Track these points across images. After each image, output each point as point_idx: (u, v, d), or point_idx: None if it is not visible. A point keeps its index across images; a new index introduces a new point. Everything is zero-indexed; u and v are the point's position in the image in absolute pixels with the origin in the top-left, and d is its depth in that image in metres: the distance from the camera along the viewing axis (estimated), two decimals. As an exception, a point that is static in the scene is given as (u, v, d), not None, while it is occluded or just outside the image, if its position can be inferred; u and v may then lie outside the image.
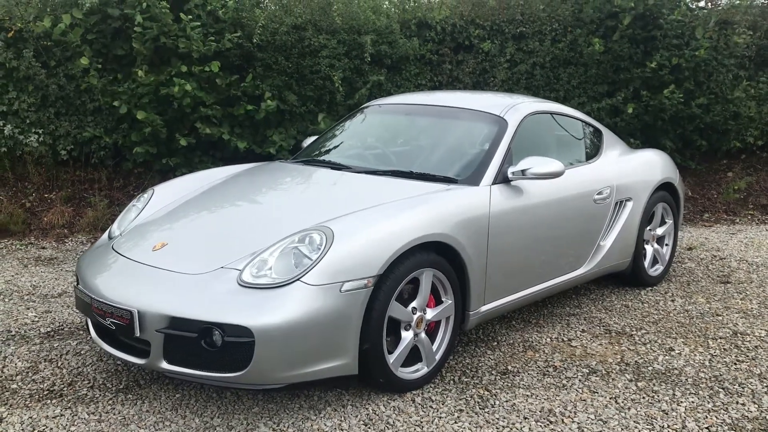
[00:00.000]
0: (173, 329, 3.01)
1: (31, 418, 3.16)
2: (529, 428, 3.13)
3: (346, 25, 7.17)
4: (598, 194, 4.50)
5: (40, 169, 7.12)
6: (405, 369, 3.42)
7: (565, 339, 4.16)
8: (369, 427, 3.11)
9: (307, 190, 3.99)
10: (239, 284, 3.07)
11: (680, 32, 7.50)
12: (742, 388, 3.56)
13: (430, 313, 3.49)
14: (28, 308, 4.59)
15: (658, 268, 5.19)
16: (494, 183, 3.87)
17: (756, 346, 4.09)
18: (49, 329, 4.23)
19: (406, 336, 3.39)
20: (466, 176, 3.88)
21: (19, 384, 3.51)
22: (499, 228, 3.75)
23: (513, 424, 3.16)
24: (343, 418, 3.17)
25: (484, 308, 3.79)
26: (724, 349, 4.04)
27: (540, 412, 3.28)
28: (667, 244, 5.30)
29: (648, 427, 3.17)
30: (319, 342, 3.04)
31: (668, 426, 3.18)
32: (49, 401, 3.33)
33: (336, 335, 3.07)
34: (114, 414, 3.20)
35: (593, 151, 4.79)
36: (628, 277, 4.99)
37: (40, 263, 5.67)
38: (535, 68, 7.60)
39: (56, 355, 3.84)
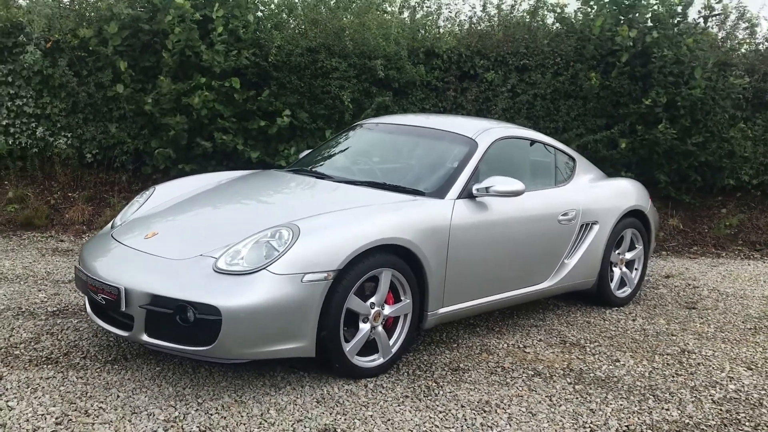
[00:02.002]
0: (153, 306, 3.44)
1: (27, 378, 3.61)
2: (463, 415, 3.48)
3: (357, 49, 7.64)
4: (563, 215, 4.86)
5: (66, 170, 7.67)
6: (362, 358, 3.80)
7: (520, 345, 4.50)
8: (320, 404, 3.49)
9: (289, 194, 4.43)
10: (214, 270, 3.50)
11: (677, 71, 7.83)
12: (672, 396, 3.87)
13: (388, 310, 3.88)
14: (40, 290, 5.07)
15: (626, 291, 5.51)
16: (459, 197, 4.26)
17: (699, 363, 4.38)
18: (55, 309, 4.69)
19: (363, 327, 3.77)
20: (433, 190, 4.28)
21: (22, 351, 3.97)
22: (459, 237, 4.13)
23: (449, 410, 3.52)
24: (298, 396, 3.56)
25: (442, 310, 4.16)
26: (668, 363, 4.35)
27: (477, 402, 3.63)
28: (636, 269, 5.61)
29: (572, 421, 3.50)
30: (280, 325, 3.44)
31: (591, 422, 3.51)
32: (45, 366, 3.77)
33: (295, 320, 3.47)
34: (99, 379, 3.63)
35: (564, 176, 5.16)
36: (594, 296, 5.32)
37: (57, 254, 6.18)
38: (536, 99, 7.98)
39: (58, 330, 4.29)
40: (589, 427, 3.46)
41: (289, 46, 7.46)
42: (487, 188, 4.28)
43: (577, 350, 4.48)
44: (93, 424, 3.19)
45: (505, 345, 4.50)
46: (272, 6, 8.20)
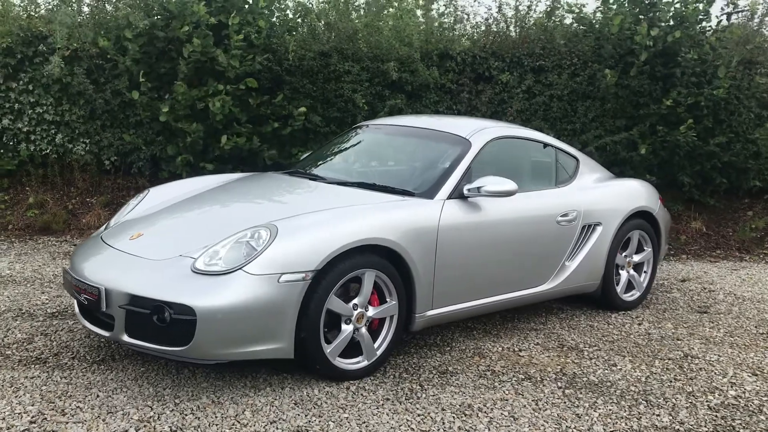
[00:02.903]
0: (132, 306, 3.45)
1: (12, 377, 3.65)
2: (442, 418, 3.41)
3: (370, 53, 7.62)
4: (562, 216, 4.75)
5: (85, 176, 7.80)
6: (345, 360, 3.76)
7: (515, 349, 4.40)
8: (298, 406, 3.45)
9: (278, 195, 4.40)
10: (192, 270, 3.49)
11: (699, 70, 7.63)
12: (666, 401, 3.74)
13: (372, 311, 3.82)
14: (44, 293, 5.15)
15: (635, 294, 5.35)
16: (450, 198, 4.19)
17: (700, 369, 4.23)
18: (54, 310, 4.75)
19: (346, 329, 3.73)
20: (423, 190, 4.22)
21: (14, 351, 4.02)
22: (449, 238, 4.06)
23: (428, 413, 3.45)
24: (277, 397, 3.53)
25: (431, 312, 4.09)
26: (667, 368, 4.21)
27: (459, 406, 3.55)
28: (645, 272, 5.45)
29: (555, 426, 3.40)
30: (256, 325, 3.42)
31: (575, 427, 3.40)
32: (33, 366, 3.82)
33: (272, 321, 3.44)
34: (83, 379, 3.66)
35: (565, 177, 5.04)
36: (599, 299, 5.18)
37: (68, 257, 6.27)
38: (553, 100, 7.85)
39: (52, 331, 4.35)
40: (572, 431, 3.36)
41: (301, 51, 7.48)
42: (478, 188, 4.20)
43: (574, 354, 4.37)
44: (67, 423, 3.20)
45: (500, 348, 4.40)
46: (288, 12, 8.26)
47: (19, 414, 3.26)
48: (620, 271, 5.28)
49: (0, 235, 7.01)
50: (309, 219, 3.73)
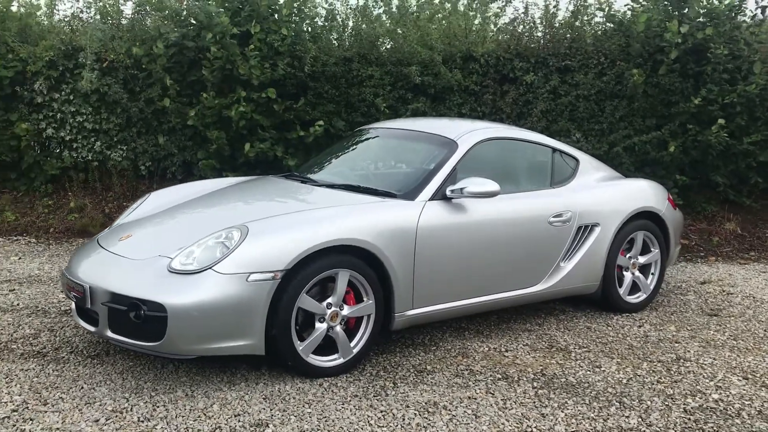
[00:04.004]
0: (113, 303, 3.65)
1: (9, 369, 3.90)
2: (403, 415, 3.47)
3: (393, 57, 7.71)
4: (555, 217, 4.72)
5: (123, 181, 8.17)
6: (320, 357, 3.86)
7: (502, 350, 4.41)
8: (267, 400, 3.58)
9: (266, 198, 4.55)
10: (168, 270, 3.66)
11: (731, 67, 7.40)
12: (640, 403, 3.69)
13: (347, 310, 3.91)
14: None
15: (640, 296, 5.26)
16: (432, 199, 4.24)
17: (689, 371, 4.14)
18: (67, 308, 5.03)
19: (319, 327, 3.83)
20: (405, 192, 4.29)
21: (19, 345, 4.29)
22: (429, 239, 4.12)
23: (391, 410, 3.52)
24: (248, 392, 3.66)
25: (411, 312, 4.15)
26: (654, 370, 4.14)
27: (425, 403, 3.60)
28: (653, 273, 5.35)
29: (516, 425, 3.41)
30: (226, 323, 3.56)
31: (536, 426, 3.41)
32: (32, 359, 4.07)
33: (242, 318, 3.58)
34: (73, 372, 3.88)
35: (562, 177, 5.01)
36: (600, 301, 5.12)
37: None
38: (579, 100, 7.75)
39: (59, 327, 4.61)
40: (531, 431, 3.36)
41: (324, 56, 7.63)
42: (461, 189, 4.24)
43: (561, 355, 4.34)
44: (46, 412, 3.41)
45: (486, 348, 4.42)
46: (317, 20, 8.43)
47: (5, 403, 3.49)
48: (624, 273, 5.20)
49: (40, 238, 7.42)
50: (282, 220, 3.86)
